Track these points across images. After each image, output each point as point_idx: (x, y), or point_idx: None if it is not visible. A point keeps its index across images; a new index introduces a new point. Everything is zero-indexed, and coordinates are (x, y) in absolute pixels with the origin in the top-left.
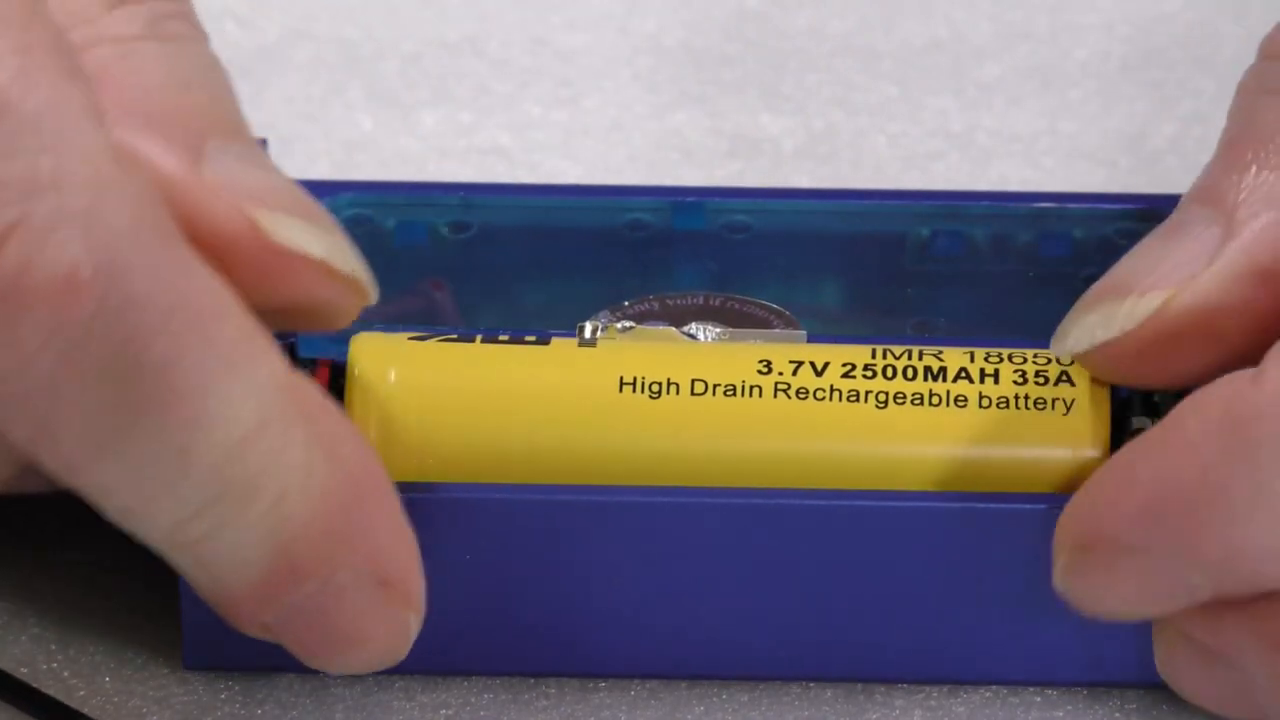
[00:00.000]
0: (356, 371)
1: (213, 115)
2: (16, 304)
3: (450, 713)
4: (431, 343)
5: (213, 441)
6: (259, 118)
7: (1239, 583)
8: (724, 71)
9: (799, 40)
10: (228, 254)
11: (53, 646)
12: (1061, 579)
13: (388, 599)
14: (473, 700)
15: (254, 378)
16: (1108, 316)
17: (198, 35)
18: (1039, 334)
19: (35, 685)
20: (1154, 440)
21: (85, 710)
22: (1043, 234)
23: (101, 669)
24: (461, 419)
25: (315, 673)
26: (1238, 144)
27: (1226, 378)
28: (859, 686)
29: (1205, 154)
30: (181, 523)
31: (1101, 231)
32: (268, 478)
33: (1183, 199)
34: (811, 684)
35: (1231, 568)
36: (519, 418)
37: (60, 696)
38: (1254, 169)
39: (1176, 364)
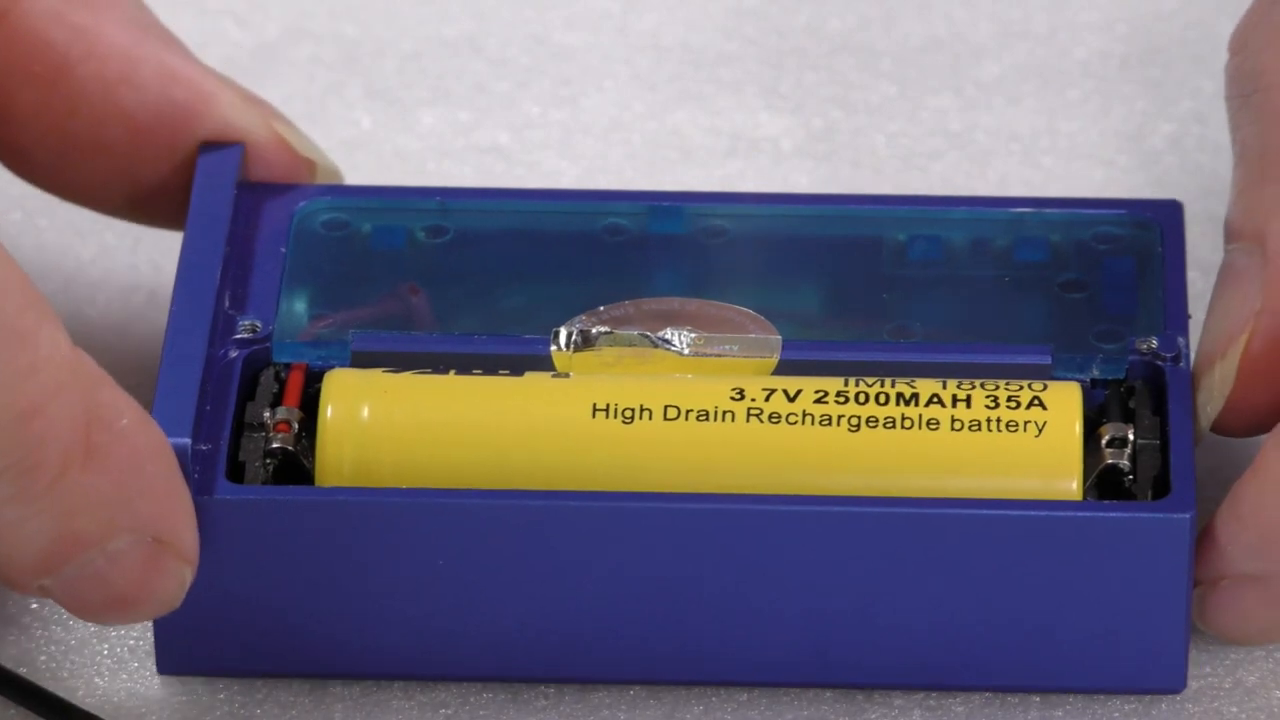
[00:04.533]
0: (329, 410)
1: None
2: None
3: (450, 712)
4: (404, 378)
5: None
6: None
7: None
8: (723, 70)
9: (798, 39)
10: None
11: (51, 646)
12: (1199, 616)
13: (163, 556)
14: (471, 700)
15: (37, 351)
16: (1208, 391)
17: None
18: (1016, 338)
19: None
20: (1250, 481)
21: (83, 709)
22: (1019, 239)
23: (100, 669)
24: (436, 454)
25: (315, 673)
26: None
27: None
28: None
29: (1204, 153)
30: None
31: (1078, 236)
32: (51, 451)
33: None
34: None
35: None
36: (493, 451)
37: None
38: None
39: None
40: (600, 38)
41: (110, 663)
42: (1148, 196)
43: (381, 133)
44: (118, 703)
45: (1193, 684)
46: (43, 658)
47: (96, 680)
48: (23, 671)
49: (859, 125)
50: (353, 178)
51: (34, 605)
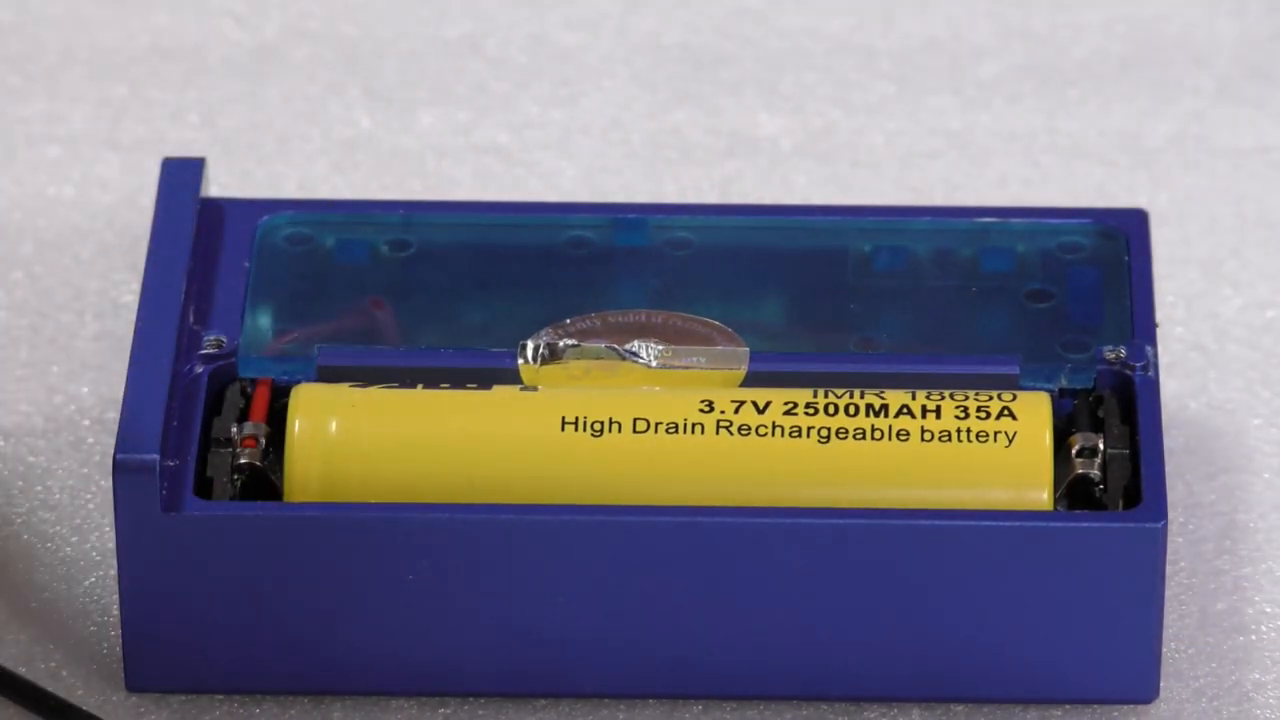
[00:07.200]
0: (298, 423)
1: None
2: None
3: (449, 711)
4: (372, 391)
5: None
6: (257, 117)
7: None
8: (722, 70)
9: (797, 39)
10: None
11: (51, 646)
12: None
13: None
14: (470, 700)
15: None
16: None
17: None
18: (983, 349)
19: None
20: None
21: (83, 709)
22: (984, 249)
23: (100, 669)
24: (405, 468)
25: (283, 689)
26: None
27: None
28: None
29: (1204, 153)
30: None
31: (1044, 246)
32: None
33: None
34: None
35: None
36: (463, 464)
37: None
38: None
39: None
40: (600, 38)
41: (110, 662)
42: (1147, 196)
43: (381, 133)
44: (117, 702)
45: (1192, 684)
46: (41, 656)
47: (95, 680)
48: (22, 671)
49: (859, 125)
50: (353, 177)
51: (33, 605)
